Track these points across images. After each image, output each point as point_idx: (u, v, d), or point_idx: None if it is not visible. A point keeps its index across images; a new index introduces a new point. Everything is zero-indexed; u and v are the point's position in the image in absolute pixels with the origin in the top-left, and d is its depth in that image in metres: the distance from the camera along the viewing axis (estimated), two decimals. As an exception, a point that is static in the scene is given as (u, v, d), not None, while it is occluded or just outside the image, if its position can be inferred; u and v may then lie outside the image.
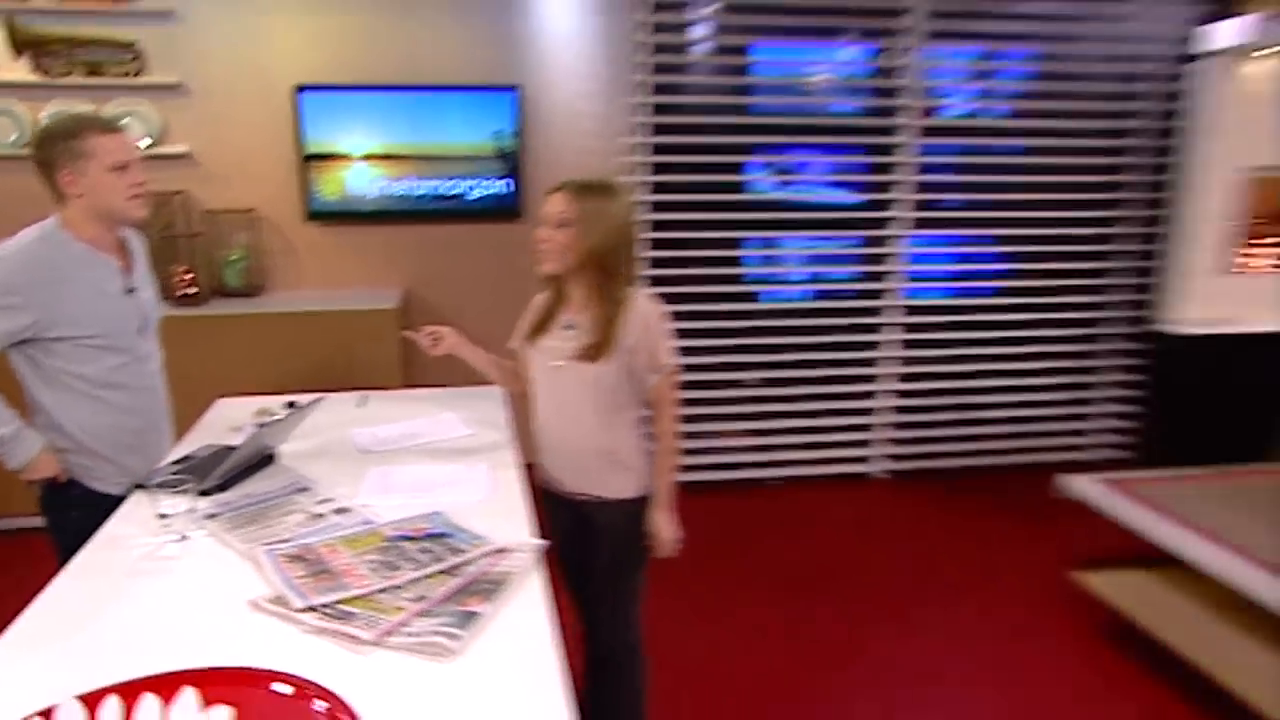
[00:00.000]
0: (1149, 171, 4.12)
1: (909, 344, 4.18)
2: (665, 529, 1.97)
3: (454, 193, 3.85)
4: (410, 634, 1.24)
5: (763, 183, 4.14)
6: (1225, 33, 3.75)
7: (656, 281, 3.79)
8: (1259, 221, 4.05)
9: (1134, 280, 4.23)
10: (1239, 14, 3.78)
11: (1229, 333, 3.91)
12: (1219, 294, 3.99)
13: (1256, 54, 3.82)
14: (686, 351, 3.82)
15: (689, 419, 4.02)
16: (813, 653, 2.81)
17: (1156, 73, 4.03)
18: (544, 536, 1.59)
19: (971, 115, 4.16)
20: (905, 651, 2.81)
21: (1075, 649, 2.84)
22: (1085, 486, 3.02)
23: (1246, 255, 4.07)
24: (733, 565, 3.38)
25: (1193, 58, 3.90)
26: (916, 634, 2.92)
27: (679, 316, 3.74)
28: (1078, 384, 4.37)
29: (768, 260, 4.32)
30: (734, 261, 4.10)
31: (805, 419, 4.19)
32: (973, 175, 4.10)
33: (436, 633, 1.24)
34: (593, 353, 1.85)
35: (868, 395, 4.22)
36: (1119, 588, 2.88)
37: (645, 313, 1.89)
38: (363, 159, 3.75)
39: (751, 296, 4.21)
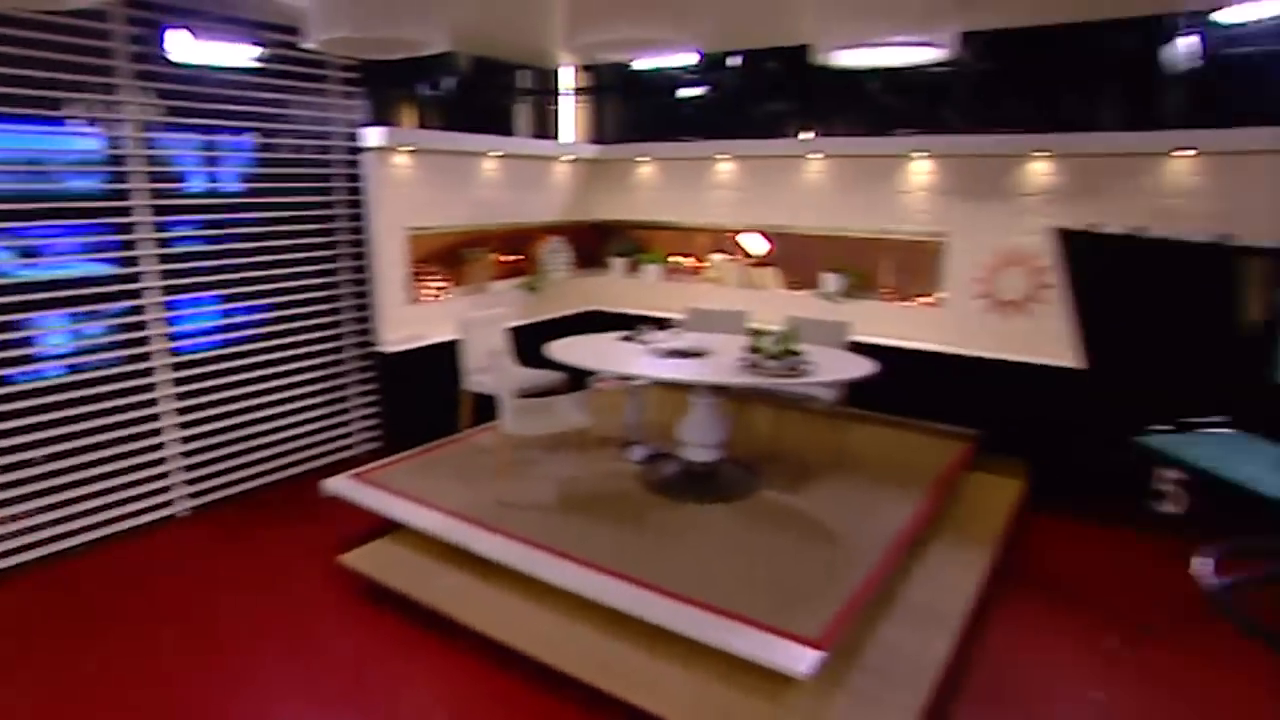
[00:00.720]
0: (350, 231, 5.45)
1: (187, 394, 4.75)
2: None
3: None
4: None
5: (4, 265, 4.14)
6: (377, 134, 5.23)
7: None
8: (421, 265, 5.79)
9: (358, 313, 5.56)
10: (387, 122, 5.32)
11: (421, 345, 5.51)
12: (408, 319, 5.60)
13: (400, 149, 5.42)
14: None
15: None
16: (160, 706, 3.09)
17: (344, 158, 5.33)
18: None
19: (210, 192, 4.87)
20: (235, 671, 3.29)
21: (352, 616, 3.64)
22: (337, 484, 4.18)
23: (419, 289, 5.77)
24: (59, 652, 3.45)
25: (363, 149, 5.31)
26: (240, 652, 3.41)
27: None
28: (336, 398, 5.56)
29: (26, 340, 4.32)
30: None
31: (101, 481, 4.43)
32: (222, 243, 4.82)
33: None
34: None
35: (157, 447, 4.67)
36: (369, 559, 3.87)
37: None
38: None
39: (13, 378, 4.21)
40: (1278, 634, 1.26)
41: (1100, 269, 1.29)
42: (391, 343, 5.41)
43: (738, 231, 6.55)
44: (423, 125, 6.25)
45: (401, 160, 5.47)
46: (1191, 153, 4.63)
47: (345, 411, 5.64)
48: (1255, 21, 4.40)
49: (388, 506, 3.98)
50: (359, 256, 5.51)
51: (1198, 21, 4.61)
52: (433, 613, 3.50)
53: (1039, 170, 5.11)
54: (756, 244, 6.52)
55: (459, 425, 5.18)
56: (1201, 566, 1.51)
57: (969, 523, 4.29)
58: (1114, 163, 4.88)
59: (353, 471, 4.33)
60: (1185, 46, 4.72)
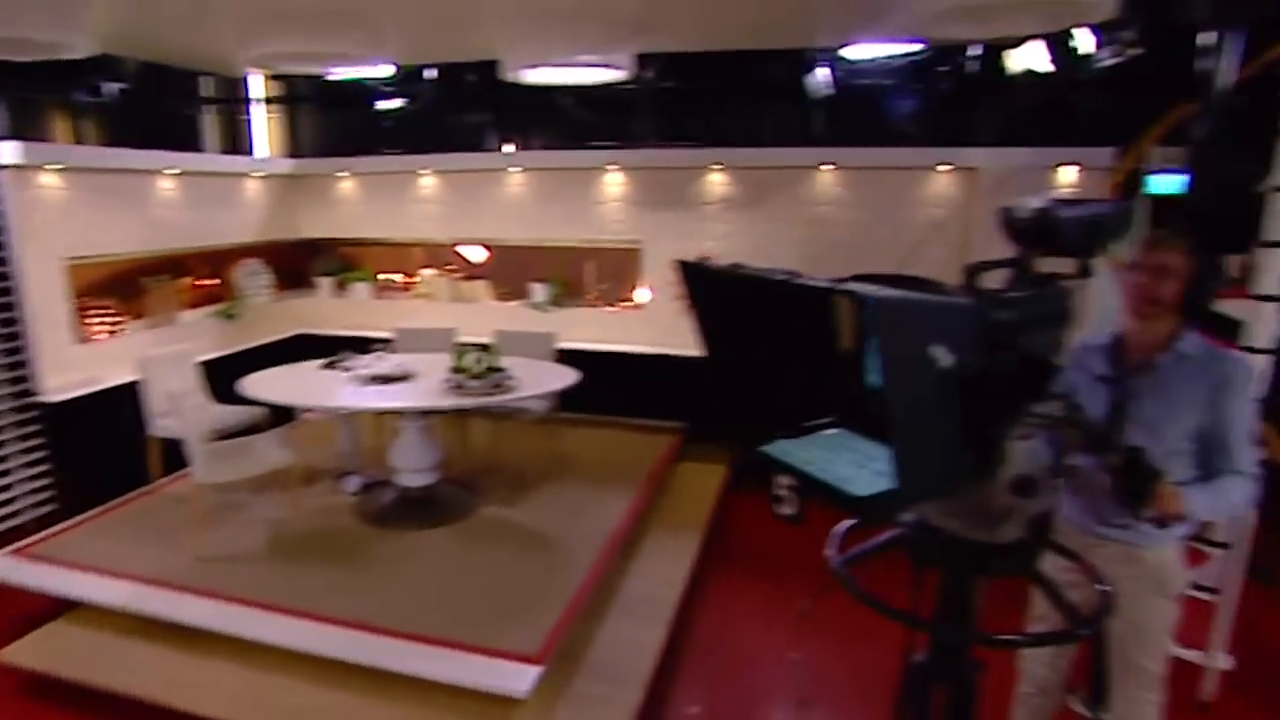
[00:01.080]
0: (-7, 265, 4.71)
1: None
2: None
3: None
4: None
5: None
6: (13, 151, 4.54)
7: None
8: (89, 298, 5.18)
9: (10, 358, 4.82)
10: (27, 136, 4.67)
11: (96, 390, 4.90)
12: (77, 360, 4.96)
13: (48, 167, 4.78)
14: None
15: None
16: None
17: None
18: None
19: None
20: None
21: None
22: (-9, 565, 3.62)
23: (88, 326, 5.15)
24: None
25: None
26: None
27: None
28: (-11, 458, 4.80)
29: None
30: None
31: None
32: None
33: None
34: None
35: None
36: (35, 650, 3.26)
37: None
38: None
39: None
40: (880, 599, 1.57)
41: (712, 297, 1.50)
42: (57, 390, 4.76)
43: (444, 246, 6.53)
44: (79, 139, 5.55)
45: (50, 180, 4.83)
46: (832, 167, 5.36)
47: (4, 475, 4.89)
48: (872, 60, 5.17)
49: (59, 583, 3.52)
50: (5, 292, 4.79)
51: (829, 55, 5.31)
52: (119, 697, 3.13)
53: (716, 181, 5.64)
54: (476, 253, 6.54)
55: (149, 476, 4.70)
56: (829, 543, 1.79)
57: (680, 512, 4.65)
58: (776, 174, 5.50)
59: (12, 547, 3.78)
60: (822, 76, 5.42)
